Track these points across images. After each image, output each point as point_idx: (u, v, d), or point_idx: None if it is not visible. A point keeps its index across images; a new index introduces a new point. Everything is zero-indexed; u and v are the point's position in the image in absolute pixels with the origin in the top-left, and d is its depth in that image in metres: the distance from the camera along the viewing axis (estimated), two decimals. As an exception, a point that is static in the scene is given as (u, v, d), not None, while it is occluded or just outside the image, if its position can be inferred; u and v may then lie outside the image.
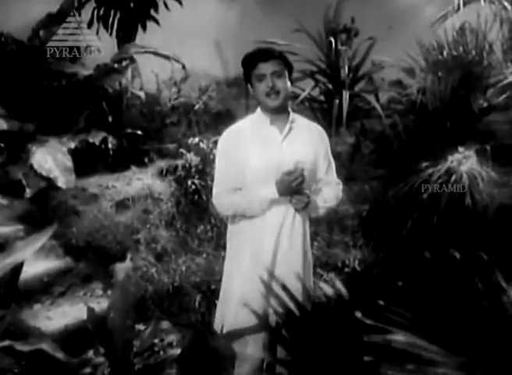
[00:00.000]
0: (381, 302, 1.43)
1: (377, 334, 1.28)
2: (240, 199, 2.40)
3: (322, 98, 5.93)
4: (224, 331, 2.39)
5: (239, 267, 2.43)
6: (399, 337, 1.28)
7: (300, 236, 2.41)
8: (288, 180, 2.31)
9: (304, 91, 5.71)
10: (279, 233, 2.36)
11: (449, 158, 4.06)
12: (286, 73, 2.44)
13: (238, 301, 2.35)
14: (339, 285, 1.42)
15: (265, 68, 2.38)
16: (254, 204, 2.37)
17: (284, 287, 1.43)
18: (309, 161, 2.43)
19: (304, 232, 2.44)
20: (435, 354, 1.25)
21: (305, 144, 2.47)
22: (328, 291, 1.41)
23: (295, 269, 2.37)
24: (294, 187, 2.33)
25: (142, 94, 5.78)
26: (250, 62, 2.41)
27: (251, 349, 2.35)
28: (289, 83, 2.45)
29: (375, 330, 1.30)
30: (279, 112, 2.45)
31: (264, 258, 2.36)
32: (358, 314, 1.30)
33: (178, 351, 2.97)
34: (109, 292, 3.69)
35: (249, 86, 2.48)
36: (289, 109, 2.51)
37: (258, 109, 2.50)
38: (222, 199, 2.47)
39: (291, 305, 1.38)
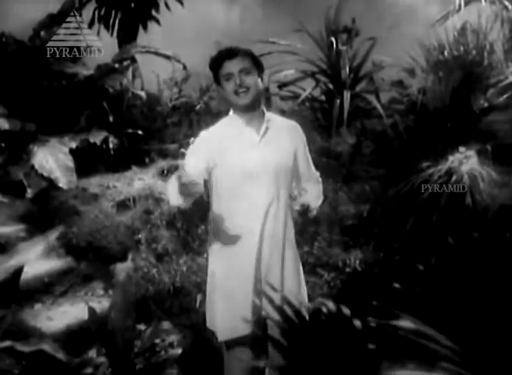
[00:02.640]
0: (396, 285, 1.43)
1: (384, 319, 1.28)
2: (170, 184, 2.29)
3: (323, 98, 5.93)
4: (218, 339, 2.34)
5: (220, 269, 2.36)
6: (406, 323, 1.27)
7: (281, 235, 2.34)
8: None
9: (305, 90, 5.71)
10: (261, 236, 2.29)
11: (450, 158, 4.05)
12: (256, 71, 2.33)
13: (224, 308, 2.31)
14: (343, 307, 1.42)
15: (231, 66, 2.30)
16: (171, 195, 2.25)
17: (284, 298, 1.42)
18: (290, 158, 2.40)
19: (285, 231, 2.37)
20: (441, 346, 1.24)
21: (284, 142, 2.41)
22: (331, 306, 1.40)
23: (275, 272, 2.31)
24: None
25: (143, 94, 5.78)
26: (216, 62, 2.33)
27: (243, 356, 2.32)
28: (259, 81, 2.35)
29: (383, 315, 1.29)
30: (252, 112, 2.37)
31: (245, 262, 2.29)
32: (357, 323, 1.30)
33: (179, 351, 2.97)
34: (110, 292, 3.70)
35: (220, 88, 2.39)
36: (264, 108, 2.43)
37: (231, 112, 2.42)
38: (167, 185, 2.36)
39: (289, 312, 1.37)
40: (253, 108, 2.36)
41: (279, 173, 2.35)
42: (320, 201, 2.57)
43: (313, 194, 2.54)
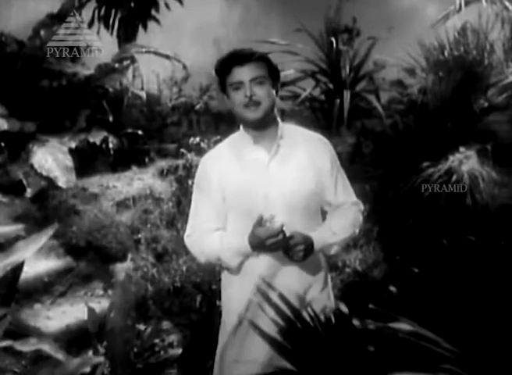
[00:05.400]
0: (392, 288, 1.43)
1: (382, 322, 1.27)
2: (212, 245, 2.02)
3: (323, 97, 5.93)
4: None
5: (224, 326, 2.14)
6: (405, 326, 1.26)
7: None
8: (260, 238, 1.87)
9: (305, 90, 5.71)
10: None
11: (450, 158, 4.05)
12: (270, 81, 1.98)
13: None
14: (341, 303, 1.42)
15: (242, 74, 1.94)
16: (226, 254, 1.99)
17: (283, 298, 1.40)
18: (309, 181, 2.02)
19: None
20: (441, 348, 1.24)
21: (301, 161, 2.03)
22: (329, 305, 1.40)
23: None
24: (269, 247, 1.88)
25: (143, 93, 5.77)
26: (224, 67, 1.98)
27: None
28: (273, 92, 2.00)
29: (381, 318, 1.29)
30: (264, 128, 2.02)
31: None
32: (356, 322, 1.30)
33: (178, 351, 2.97)
34: (110, 292, 3.70)
35: (225, 97, 2.05)
36: (279, 121, 2.07)
37: (241, 128, 2.08)
38: (193, 242, 2.09)
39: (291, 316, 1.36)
40: (265, 124, 2.02)
41: (293, 199, 1.99)
42: (344, 234, 2.07)
43: (336, 220, 2.09)
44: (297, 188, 2.00)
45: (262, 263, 2.00)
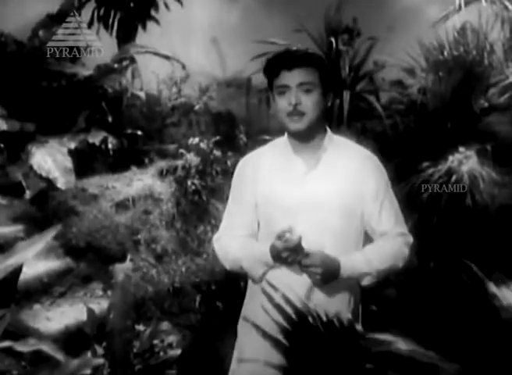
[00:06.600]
0: (373, 308, 1.42)
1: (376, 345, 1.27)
2: (236, 252, 1.95)
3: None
4: None
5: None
6: (400, 346, 1.26)
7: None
8: (277, 249, 1.78)
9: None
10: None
11: (450, 158, 4.05)
12: (320, 89, 1.84)
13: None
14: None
15: (289, 78, 1.81)
16: (249, 263, 1.91)
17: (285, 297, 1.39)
18: (349, 200, 1.88)
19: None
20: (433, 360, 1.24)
21: (341, 179, 1.88)
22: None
23: None
24: (285, 259, 1.78)
25: (142, 94, 5.76)
26: (272, 68, 1.87)
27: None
28: (322, 102, 1.86)
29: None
30: (308, 138, 1.90)
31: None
32: (359, 327, 1.30)
33: (178, 351, 2.96)
34: (109, 293, 3.69)
35: (271, 100, 1.93)
36: (328, 131, 1.94)
37: (285, 134, 1.97)
38: (220, 246, 2.02)
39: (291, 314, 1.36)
40: (309, 135, 1.89)
41: (325, 217, 1.86)
42: (381, 266, 1.88)
43: (375, 249, 1.92)
44: (332, 206, 1.86)
45: (286, 276, 1.86)
